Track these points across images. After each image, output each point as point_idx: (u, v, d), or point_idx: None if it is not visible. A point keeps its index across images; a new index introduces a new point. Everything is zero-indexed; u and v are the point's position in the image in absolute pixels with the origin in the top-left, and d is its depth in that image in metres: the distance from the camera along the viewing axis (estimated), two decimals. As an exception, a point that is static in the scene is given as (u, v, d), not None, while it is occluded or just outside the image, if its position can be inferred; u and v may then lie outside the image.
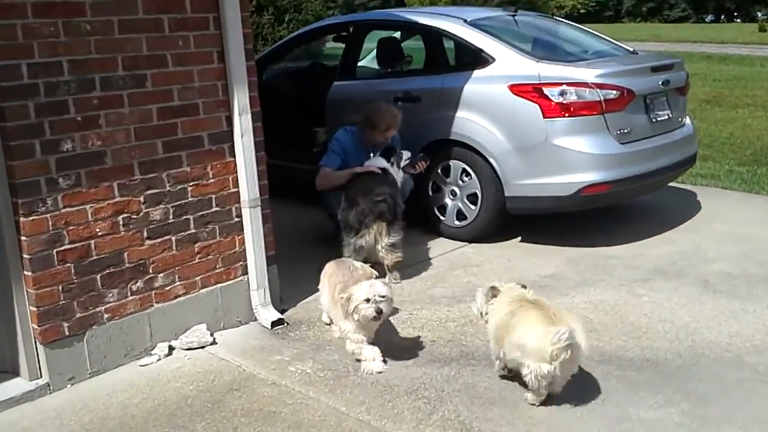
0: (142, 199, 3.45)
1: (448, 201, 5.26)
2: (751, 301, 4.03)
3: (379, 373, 3.33)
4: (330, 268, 3.75)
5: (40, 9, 3.04)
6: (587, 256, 4.82)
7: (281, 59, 7.15)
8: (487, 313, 3.17)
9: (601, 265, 4.66)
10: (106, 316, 3.41)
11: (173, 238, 3.60)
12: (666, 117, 5.25)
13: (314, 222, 5.44)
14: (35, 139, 3.08)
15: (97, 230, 3.32)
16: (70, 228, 3.23)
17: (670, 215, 5.65)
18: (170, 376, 3.39)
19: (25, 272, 3.16)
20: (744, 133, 9.35)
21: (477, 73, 5.05)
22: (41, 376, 3.27)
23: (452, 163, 5.16)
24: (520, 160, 4.83)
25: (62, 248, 3.21)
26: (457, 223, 5.22)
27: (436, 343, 3.66)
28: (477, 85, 5.01)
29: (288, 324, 3.91)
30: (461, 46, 5.36)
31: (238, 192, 3.80)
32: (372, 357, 3.39)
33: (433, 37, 5.60)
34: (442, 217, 5.29)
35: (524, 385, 3.02)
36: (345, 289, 3.38)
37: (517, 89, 4.80)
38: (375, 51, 6.30)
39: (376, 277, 3.66)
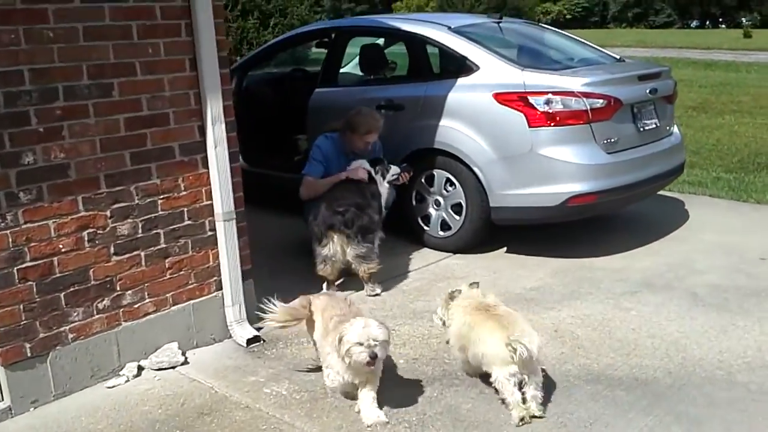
0: (108, 213, 3.30)
1: (432, 211, 5.15)
2: (742, 315, 3.93)
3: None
4: (321, 302, 3.32)
5: (-1, 16, 2.89)
6: (573, 267, 4.72)
7: (262, 65, 7.02)
8: (450, 319, 3.26)
9: (588, 277, 4.56)
10: (71, 336, 3.26)
11: (142, 254, 3.45)
12: (654, 126, 5.16)
13: (297, 233, 5.26)
14: (-6, 152, 2.93)
15: (61, 246, 3.17)
16: (32, 244, 3.08)
17: (657, 225, 5.56)
18: (138, 399, 3.24)
19: (-16, 291, 3.01)
20: (731, 139, 9.33)
21: (461, 81, 4.94)
22: (2, 399, 3.12)
23: (436, 172, 5.04)
24: (506, 169, 4.72)
25: (23, 266, 3.06)
26: (441, 233, 5.11)
27: (418, 362, 3.53)
28: (461, 94, 4.90)
29: (264, 341, 3.77)
30: (445, 53, 5.24)
31: (212, 205, 3.67)
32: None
33: (417, 44, 5.47)
34: (426, 228, 5.17)
35: (507, 406, 2.93)
36: (342, 323, 2.99)
37: (502, 98, 4.70)
38: (358, 57, 6.18)
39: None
